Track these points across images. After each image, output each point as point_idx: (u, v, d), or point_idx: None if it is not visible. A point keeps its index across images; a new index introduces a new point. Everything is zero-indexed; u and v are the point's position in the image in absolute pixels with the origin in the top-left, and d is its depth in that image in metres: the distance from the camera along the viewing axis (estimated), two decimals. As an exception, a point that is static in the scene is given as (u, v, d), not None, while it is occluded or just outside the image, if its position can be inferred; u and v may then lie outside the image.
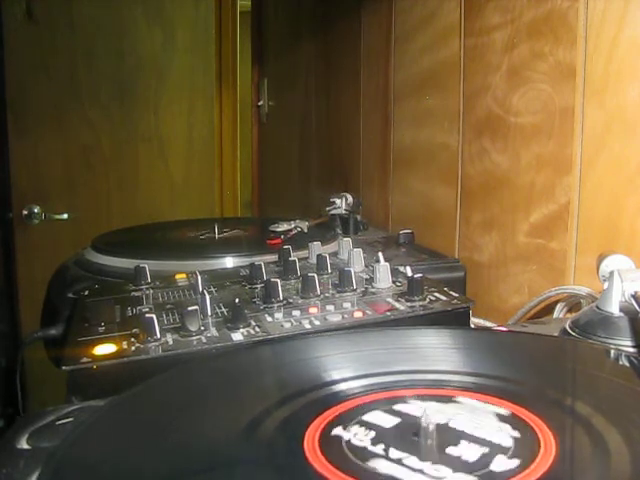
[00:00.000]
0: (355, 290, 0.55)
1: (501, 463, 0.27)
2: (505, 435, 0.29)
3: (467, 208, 0.79)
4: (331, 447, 0.29)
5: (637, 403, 0.34)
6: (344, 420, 0.31)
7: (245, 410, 0.33)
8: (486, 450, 0.28)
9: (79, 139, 1.77)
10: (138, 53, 1.86)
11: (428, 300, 0.53)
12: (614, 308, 0.45)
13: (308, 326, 0.48)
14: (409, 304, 0.52)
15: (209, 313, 0.50)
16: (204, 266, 0.67)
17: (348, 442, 0.29)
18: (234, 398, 0.36)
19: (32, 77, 1.69)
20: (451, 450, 0.28)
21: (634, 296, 0.44)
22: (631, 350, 0.42)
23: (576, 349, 0.43)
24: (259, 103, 1.83)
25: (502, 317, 0.69)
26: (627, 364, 0.39)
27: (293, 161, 1.57)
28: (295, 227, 0.83)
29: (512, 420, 0.31)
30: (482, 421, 0.31)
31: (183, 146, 1.98)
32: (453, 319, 0.51)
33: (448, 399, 0.34)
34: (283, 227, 0.82)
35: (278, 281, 0.54)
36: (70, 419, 0.34)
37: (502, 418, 0.31)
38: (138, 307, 0.54)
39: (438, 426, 0.30)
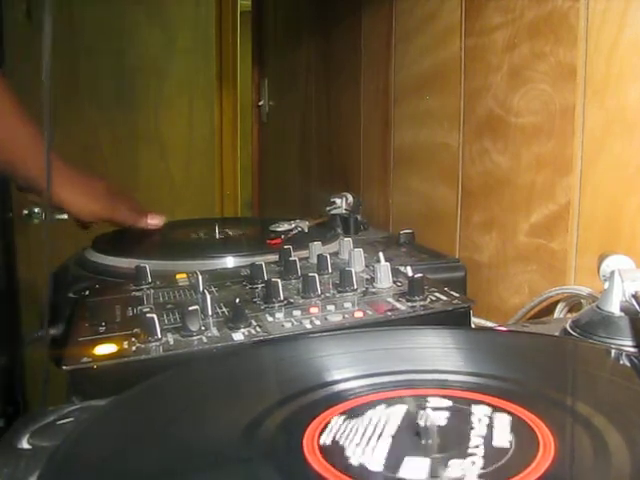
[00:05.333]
0: (356, 290, 0.55)
1: (500, 463, 0.27)
2: (504, 435, 0.29)
3: (467, 208, 0.79)
4: (330, 447, 0.29)
5: (637, 403, 0.34)
6: (343, 420, 0.31)
7: (245, 410, 0.33)
8: (486, 450, 0.28)
9: (79, 139, 1.77)
10: (138, 53, 1.86)
11: (429, 300, 0.53)
12: (615, 308, 0.45)
13: (309, 326, 0.48)
14: (410, 304, 0.52)
15: (210, 313, 0.50)
16: (205, 266, 0.67)
17: (348, 442, 0.29)
18: (234, 398, 0.36)
19: (32, 77, 1.69)
20: (450, 450, 0.28)
21: (634, 296, 0.44)
22: (632, 350, 0.42)
23: (577, 349, 0.43)
24: (259, 103, 1.83)
25: (502, 317, 0.69)
26: (628, 364, 0.39)
27: (293, 161, 1.57)
28: (295, 227, 0.83)
29: (512, 420, 0.31)
30: (482, 421, 0.31)
31: (183, 146, 1.98)
32: (453, 319, 0.51)
33: (448, 399, 0.34)
34: (283, 227, 0.82)
35: (279, 281, 0.54)
36: (71, 419, 0.34)
37: (501, 418, 0.31)
38: (139, 307, 0.54)
39: (439, 426, 0.30)
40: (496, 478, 0.26)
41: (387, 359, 0.40)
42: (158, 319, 0.46)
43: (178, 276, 0.63)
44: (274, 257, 0.68)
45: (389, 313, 0.50)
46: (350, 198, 0.95)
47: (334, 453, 0.28)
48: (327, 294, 0.55)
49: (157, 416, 0.33)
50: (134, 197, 0.89)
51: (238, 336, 0.46)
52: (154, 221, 0.86)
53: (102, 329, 0.48)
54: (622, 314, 0.45)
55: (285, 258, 0.63)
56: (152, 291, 0.59)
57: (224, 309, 0.51)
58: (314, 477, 0.27)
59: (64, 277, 0.72)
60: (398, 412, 0.32)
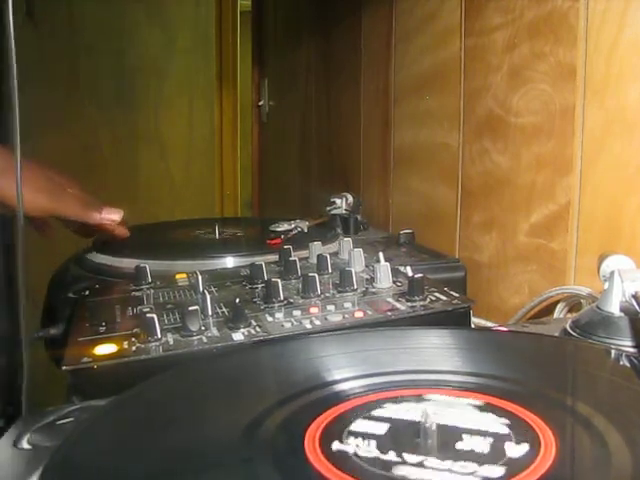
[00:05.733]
0: (356, 290, 0.55)
1: (501, 462, 0.27)
2: (505, 435, 0.29)
3: (467, 208, 0.79)
4: (332, 447, 0.29)
5: (637, 403, 0.34)
6: (343, 420, 0.31)
7: (245, 410, 0.33)
8: (486, 450, 0.28)
9: (79, 139, 1.77)
10: (138, 53, 1.86)
11: (429, 300, 0.53)
12: (614, 308, 0.45)
13: (309, 326, 0.48)
14: (410, 304, 0.52)
15: (210, 313, 0.50)
16: (205, 266, 0.67)
17: (349, 442, 0.29)
18: (234, 398, 0.36)
19: (32, 77, 1.69)
20: (450, 449, 0.28)
21: (634, 296, 0.44)
22: (631, 350, 0.42)
23: (576, 349, 0.43)
24: (259, 103, 1.83)
25: (502, 317, 0.69)
26: (627, 364, 0.39)
27: (293, 161, 1.57)
28: (295, 227, 0.83)
29: (512, 420, 0.31)
30: (481, 421, 0.31)
31: (183, 146, 1.98)
32: (453, 319, 0.51)
33: (448, 399, 0.34)
34: (283, 227, 0.82)
35: (279, 281, 0.54)
36: (71, 419, 0.34)
37: (502, 418, 0.31)
38: (139, 307, 0.54)
39: (438, 426, 0.30)
40: (497, 478, 0.26)
41: (387, 359, 0.40)
42: (158, 319, 0.46)
43: (178, 276, 0.63)
44: (274, 257, 0.68)
45: (389, 313, 0.50)
46: (350, 198, 0.95)
47: (336, 453, 0.28)
48: (327, 294, 0.55)
49: (157, 416, 0.33)
50: (83, 188, 0.76)
51: (238, 336, 0.46)
52: (110, 216, 0.73)
53: (102, 329, 0.48)
54: (622, 314, 0.45)
55: (285, 258, 0.63)
56: (152, 291, 0.59)
57: (224, 309, 0.51)
58: (316, 477, 0.27)
59: (64, 277, 0.72)
60: (398, 412, 0.32)
